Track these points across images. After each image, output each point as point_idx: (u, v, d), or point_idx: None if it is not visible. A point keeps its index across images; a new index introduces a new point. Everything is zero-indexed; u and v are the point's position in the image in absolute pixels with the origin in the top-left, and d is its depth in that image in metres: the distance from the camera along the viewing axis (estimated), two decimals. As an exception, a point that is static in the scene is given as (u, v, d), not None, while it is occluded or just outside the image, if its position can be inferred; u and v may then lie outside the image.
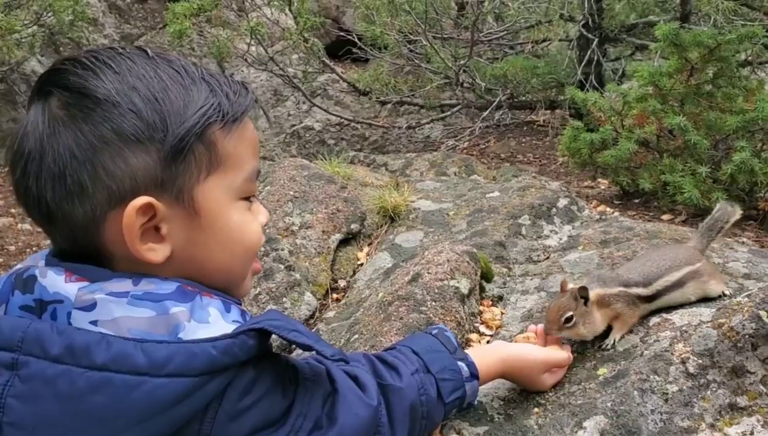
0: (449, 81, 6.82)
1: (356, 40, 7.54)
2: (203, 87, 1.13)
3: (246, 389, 1.07)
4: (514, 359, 1.74)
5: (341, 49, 8.37)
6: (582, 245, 2.64)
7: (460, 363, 1.56)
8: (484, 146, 6.68)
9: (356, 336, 2.19)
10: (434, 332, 1.64)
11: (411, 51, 7.11)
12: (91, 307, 1.03)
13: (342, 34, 8.56)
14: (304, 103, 7.60)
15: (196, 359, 1.01)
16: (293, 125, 7.51)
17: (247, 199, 1.21)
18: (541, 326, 1.90)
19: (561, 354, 1.81)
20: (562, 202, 3.05)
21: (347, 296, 2.78)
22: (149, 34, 8.60)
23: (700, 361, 1.67)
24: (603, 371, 1.81)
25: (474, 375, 1.58)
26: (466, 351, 1.65)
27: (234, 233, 1.18)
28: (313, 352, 1.16)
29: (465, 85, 6.83)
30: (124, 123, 1.05)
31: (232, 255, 1.19)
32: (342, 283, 2.89)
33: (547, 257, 2.68)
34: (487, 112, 6.68)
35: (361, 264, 2.99)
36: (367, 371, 1.37)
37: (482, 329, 2.23)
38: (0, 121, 7.20)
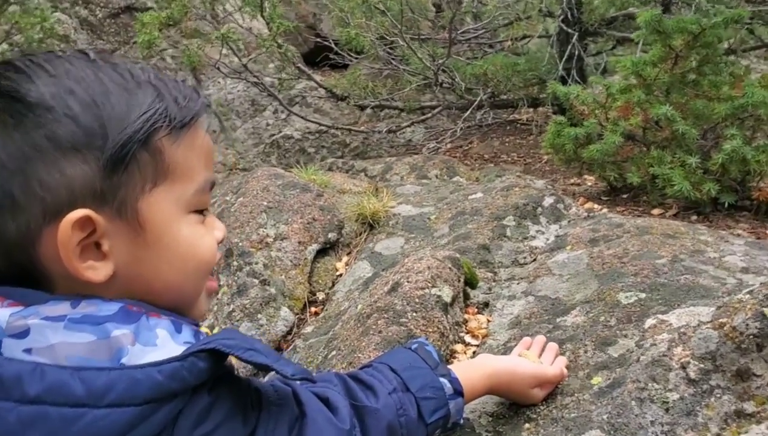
0: (428, 82, 6.70)
1: (333, 45, 7.43)
2: (149, 91, 1.00)
3: (200, 417, 0.94)
4: (502, 373, 1.60)
5: (319, 56, 8.26)
6: (570, 245, 2.51)
7: (442, 380, 1.43)
8: (467, 147, 6.57)
9: (334, 353, 2.06)
10: (414, 346, 1.51)
11: (389, 53, 6.99)
12: (24, 333, 0.90)
13: (319, 40, 8.47)
14: (282, 112, 7.47)
15: (139, 386, 0.88)
16: (272, 135, 7.38)
17: (200, 212, 1.09)
18: (528, 339, 1.78)
19: (553, 370, 1.69)
20: (548, 201, 2.91)
21: (326, 309, 2.64)
22: (123, 48, 8.46)
23: (702, 365, 1.53)
24: (597, 380, 1.68)
25: (458, 392, 1.44)
26: (449, 366, 1.52)
27: (183, 249, 1.04)
28: (273, 372, 1.03)
29: (445, 85, 6.71)
30: (58, 129, 0.92)
31: (181, 273, 1.06)
32: (320, 295, 2.75)
33: (534, 259, 2.55)
34: (469, 112, 6.56)
35: (340, 275, 2.85)
36: (339, 392, 1.24)
37: (468, 338, 2.10)
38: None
